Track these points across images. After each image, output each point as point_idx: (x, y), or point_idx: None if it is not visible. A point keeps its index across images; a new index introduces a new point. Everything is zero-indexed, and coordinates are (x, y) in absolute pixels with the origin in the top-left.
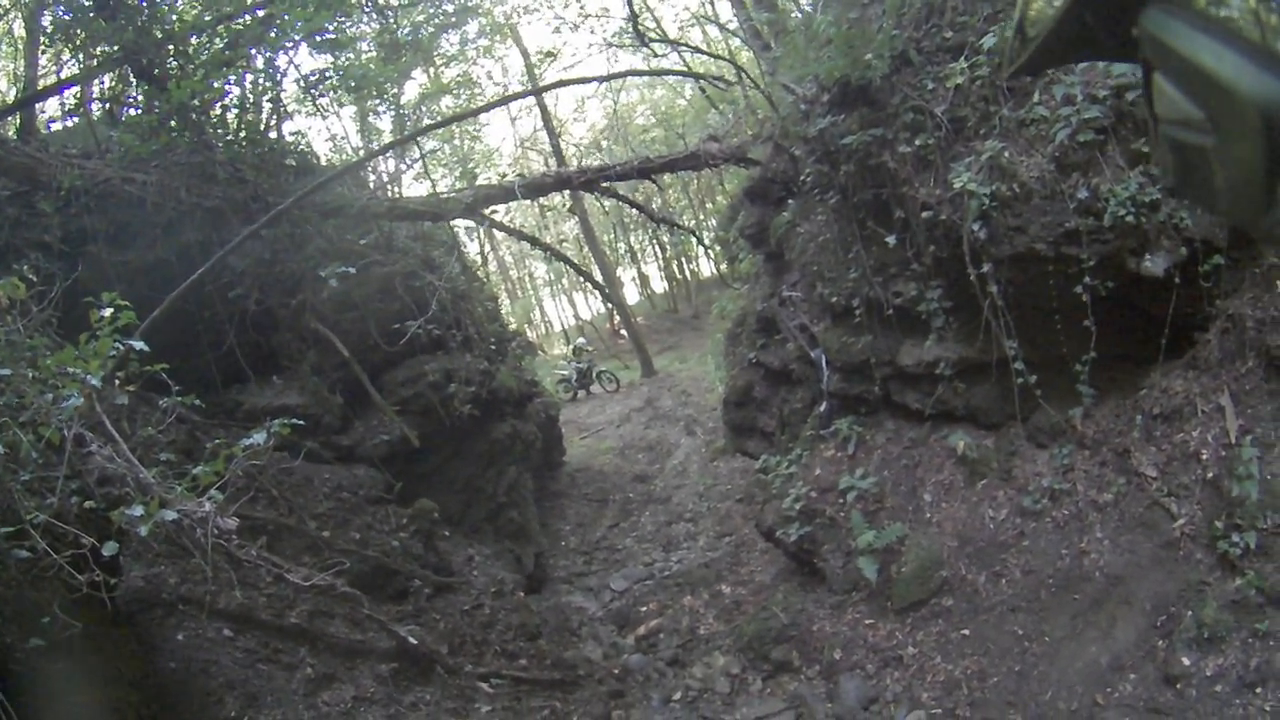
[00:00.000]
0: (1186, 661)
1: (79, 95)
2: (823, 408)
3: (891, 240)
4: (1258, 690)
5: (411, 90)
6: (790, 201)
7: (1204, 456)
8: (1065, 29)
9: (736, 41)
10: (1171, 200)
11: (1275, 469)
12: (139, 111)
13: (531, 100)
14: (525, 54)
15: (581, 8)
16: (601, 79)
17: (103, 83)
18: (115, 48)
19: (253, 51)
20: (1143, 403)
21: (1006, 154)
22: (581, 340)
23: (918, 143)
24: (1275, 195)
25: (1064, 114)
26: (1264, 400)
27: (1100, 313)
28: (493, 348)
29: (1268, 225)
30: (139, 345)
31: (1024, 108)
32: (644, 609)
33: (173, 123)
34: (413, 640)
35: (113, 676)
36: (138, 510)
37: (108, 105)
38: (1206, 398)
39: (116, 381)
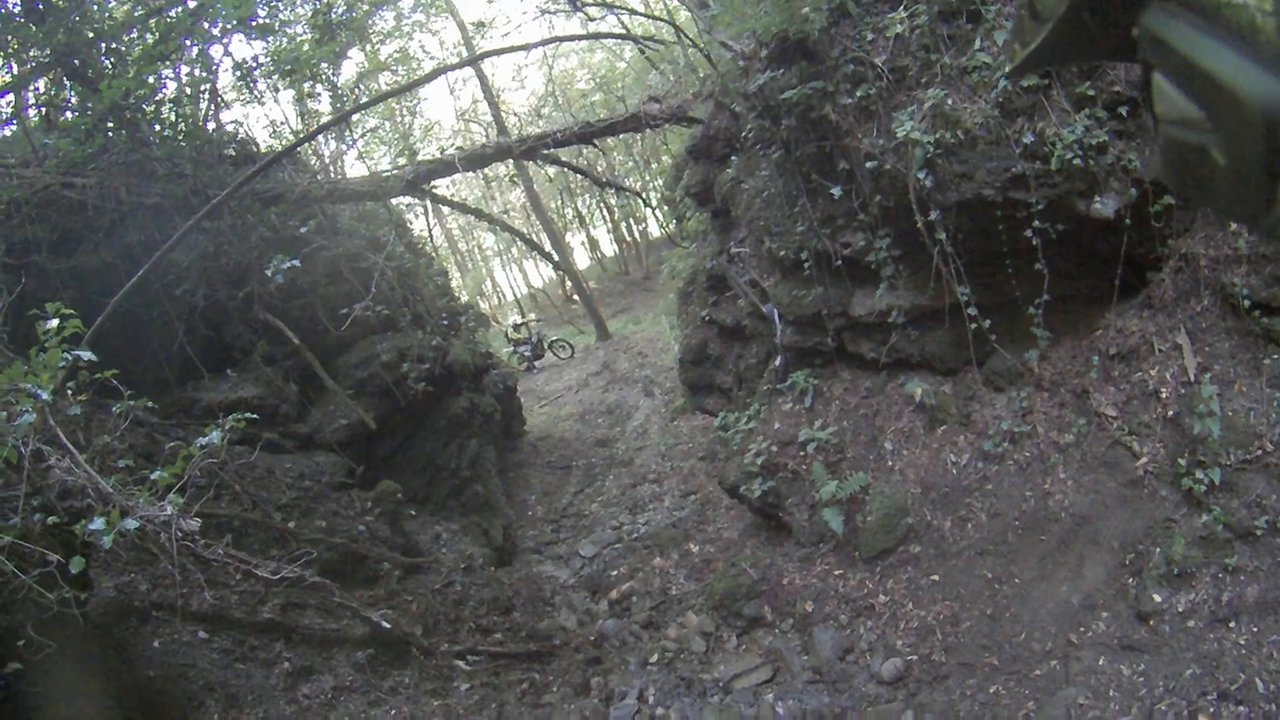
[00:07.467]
0: (1158, 598)
1: (14, 103)
2: (778, 361)
3: (837, 192)
4: (1231, 625)
5: (349, 70)
6: (734, 158)
7: (1164, 395)
8: (1065, 29)
9: (674, 1)
10: (1119, 142)
11: (1236, 405)
12: (74, 114)
13: (470, 72)
14: (461, 26)
15: None
16: (537, 44)
17: (37, 88)
18: (46, 51)
19: (187, 42)
20: (1099, 343)
21: (949, 101)
22: (516, 318)
23: (859, 94)
24: (1275, 195)
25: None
26: (1221, 337)
27: (1051, 255)
28: (444, 323)
29: (1268, 225)
30: (86, 355)
31: (965, 55)
32: (615, 573)
33: (109, 123)
34: (386, 625)
35: (94, 692)
36: (99, 523)
37: (44, 111)
38: (1163, 336)
39: (69, 392)
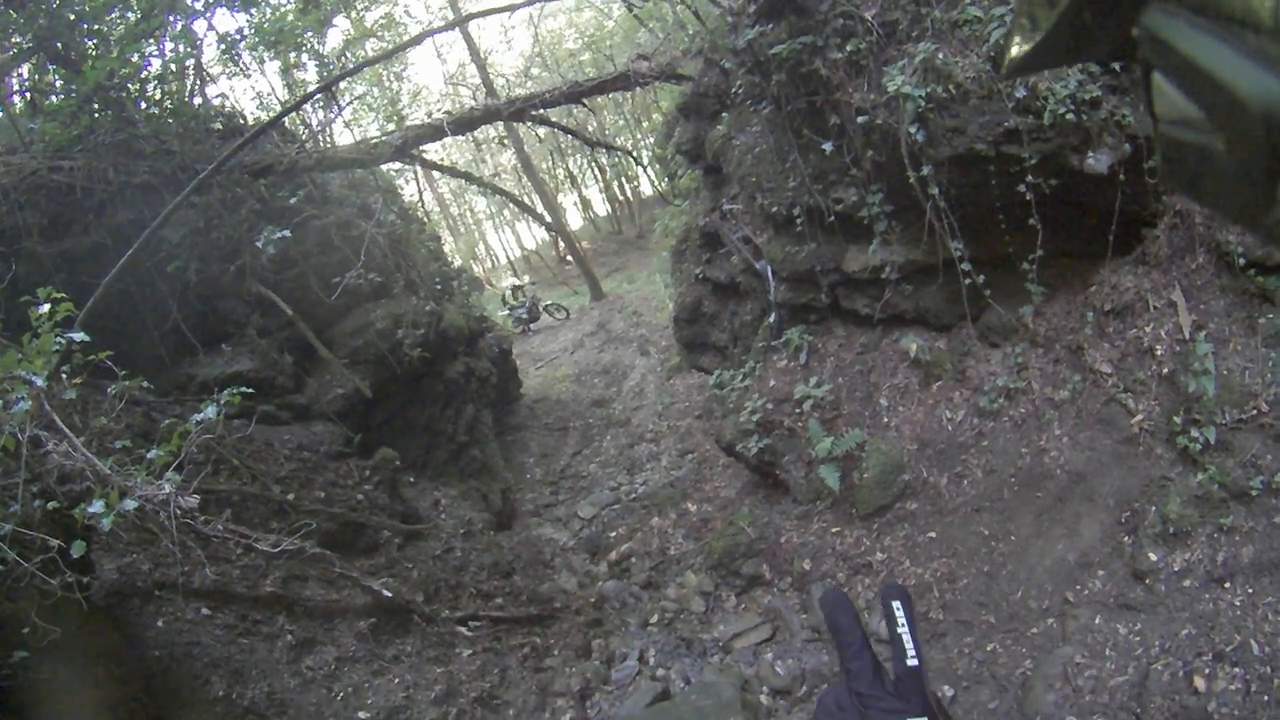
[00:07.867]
0: (1154, 557)
1: None
2: (772, 318)
3: (828, 147)
4: (1226, 585)
5: (335, 38)
6: (724, 114)
7: (1158, 352)
8: (1063, 30)
9: None
10: (1113, 97)
11: (1231, 364)
12: (59, 98)
13: (457, 35)
14: None
15: None
16: (523, 4)
17: (21, 75)
18: (29, 37)
19: (171, 18)
20: (1093, 299)
21: (940, 55)
22: (512, 281)
23: (849, 48)
24: (1275, 195)
25: (998, 13)
26: (1216, 296)
27: (1045, 211)
28: (438, 288)
29: (1268, 225)
30: (79, 337)
31: (956, 8)
32: (614, 534)
33: (94, 104)
34: (387, 593)
35: (101, 676)
36: (98, 505)
37: (29, 96)
38: (1158, 293)
39: (63, 376)
